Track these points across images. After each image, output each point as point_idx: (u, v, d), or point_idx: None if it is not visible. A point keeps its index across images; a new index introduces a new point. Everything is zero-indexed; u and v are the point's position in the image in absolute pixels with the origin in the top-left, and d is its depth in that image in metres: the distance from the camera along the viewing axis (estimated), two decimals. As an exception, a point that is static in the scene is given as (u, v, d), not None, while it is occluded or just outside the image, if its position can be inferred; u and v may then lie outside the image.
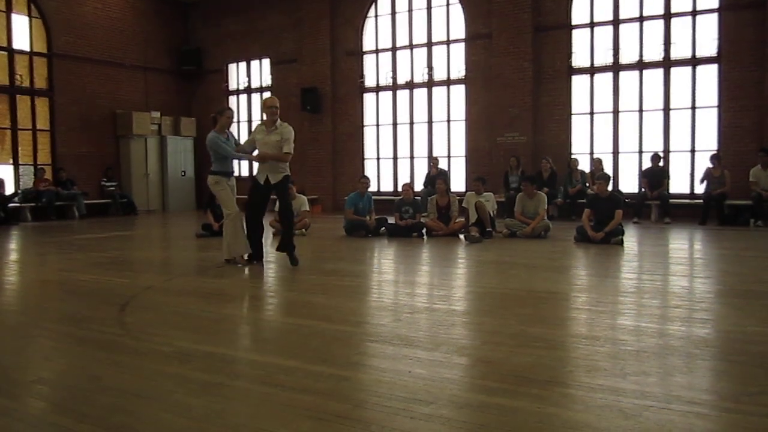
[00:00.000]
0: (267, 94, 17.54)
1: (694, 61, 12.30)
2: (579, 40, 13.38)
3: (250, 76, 17.90)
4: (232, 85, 18.25)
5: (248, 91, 17.99)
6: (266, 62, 17.52)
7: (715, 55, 12.04)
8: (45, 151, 15.51)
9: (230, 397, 2.97)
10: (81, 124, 15.95)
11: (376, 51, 15.81)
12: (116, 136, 16.73)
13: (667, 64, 12.54)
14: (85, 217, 14.63)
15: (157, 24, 17.85)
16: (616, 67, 13.05)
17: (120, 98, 16.80)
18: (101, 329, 4.30)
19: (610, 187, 9.52)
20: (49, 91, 15.45)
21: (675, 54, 12.46)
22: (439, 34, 14.91)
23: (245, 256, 7.10)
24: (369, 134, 16.19)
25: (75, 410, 2.83)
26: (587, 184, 12.23)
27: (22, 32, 15.09)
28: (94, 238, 10.75)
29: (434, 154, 14.66)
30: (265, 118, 6.97)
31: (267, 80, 17.55)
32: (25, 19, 15.11)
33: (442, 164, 14.23)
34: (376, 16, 15.74)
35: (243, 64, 18.00)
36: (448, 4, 14.72)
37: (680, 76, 12.51)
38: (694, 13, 12.22)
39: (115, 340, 4.03)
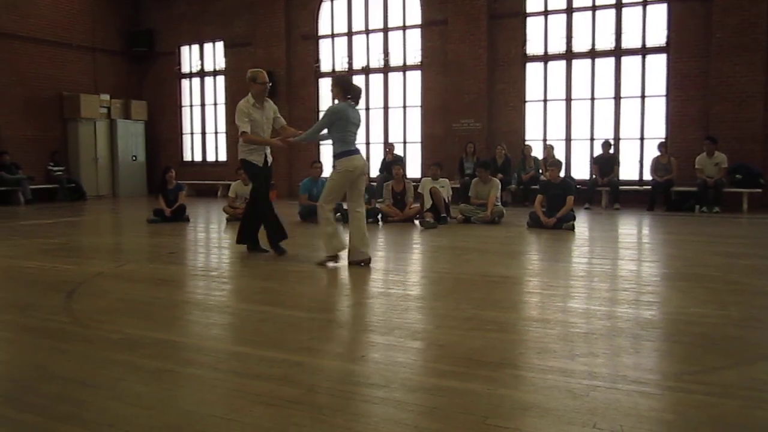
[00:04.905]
0: (220, 78, 17.26)
1: (643, 51, 12.57)
2: (533, 27, 13.51)
3: (203, 59, 17.53)
4: (185, 68, 17.85)
5: (201, 74, 17.63)
6: (219, 45, 17.17)
7: (664, 45, 12.33)
8: (-13, 134, 14.95)
9: (180, 384, 2.93)
10: (26, 106, 15.38)
11: (332, 36, 15.66)
12: (63, 119, 16.20)
13: (618, 53, 12.78)
14: (32, 203, 14.17)
15: (107, 3, 17.28)
16: (569, 56, 13.24)
17: (67, 80, 16.25)
18: (47, 317, 4.18)
19: (562, 174, 9.71)
20: (-10, 71, 14.86)
21: (626, 43, 12.70)
22: (395, 20, 14.86)
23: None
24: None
25: (19, 400, 2.74)
26: (540, 171, 12.42)
27: (-39, 10, 14.46)
28: (41, 224, 10.43)
29: (390, 140, 14.66)
30: (257, 94, 6.70)
31: (220, 63, 17.22)
32: (-35, -4, 14.49)
33: (398, 150, 14.24)
34: (331, 0, 15.59)
35: (196, 47, 17.60)
36: (404, -10, 14.68)
37: (630, 65, 12.77)
38: (645, 3, 12.47)
39: (61, 327, 3.93)
